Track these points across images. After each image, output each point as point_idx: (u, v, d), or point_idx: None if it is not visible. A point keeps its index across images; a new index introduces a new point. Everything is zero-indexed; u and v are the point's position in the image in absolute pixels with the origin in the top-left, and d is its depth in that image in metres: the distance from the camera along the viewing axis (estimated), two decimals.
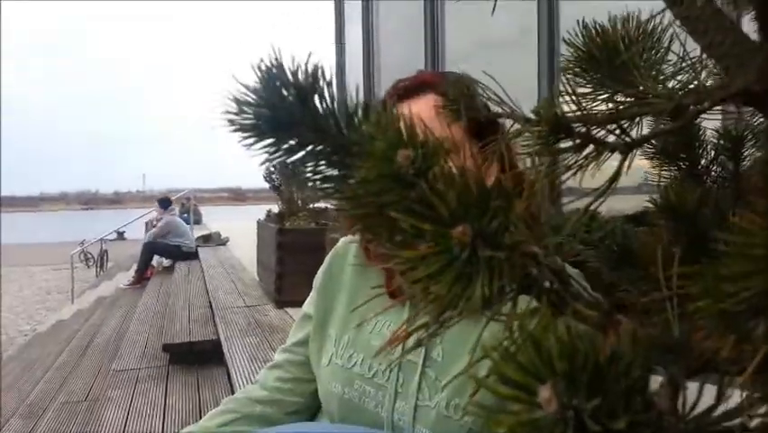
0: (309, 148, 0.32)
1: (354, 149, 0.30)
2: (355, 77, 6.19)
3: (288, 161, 0.32)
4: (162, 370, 4.37)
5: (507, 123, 0.52)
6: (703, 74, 0.57)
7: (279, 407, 1.07)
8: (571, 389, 0.20)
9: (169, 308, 6.03)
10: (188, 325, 5.02)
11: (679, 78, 0.53)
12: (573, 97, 0.58)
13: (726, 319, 0.27)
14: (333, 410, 0.99)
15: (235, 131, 0.31)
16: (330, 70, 0.31)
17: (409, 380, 0.92)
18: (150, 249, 9.35)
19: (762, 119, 0.64)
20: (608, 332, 0.27)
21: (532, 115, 0.43)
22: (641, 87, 0.56)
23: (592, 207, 0.41)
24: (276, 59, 0.33)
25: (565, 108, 0.46)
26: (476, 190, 0.26)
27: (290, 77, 0.32)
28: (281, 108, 0.31)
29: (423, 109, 0.92)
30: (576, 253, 0.60)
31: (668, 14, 0.56)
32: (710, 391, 0.28)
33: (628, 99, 0.56)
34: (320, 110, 0.32)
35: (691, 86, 0.56)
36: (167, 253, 9.56)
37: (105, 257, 14.16)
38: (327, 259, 1.11)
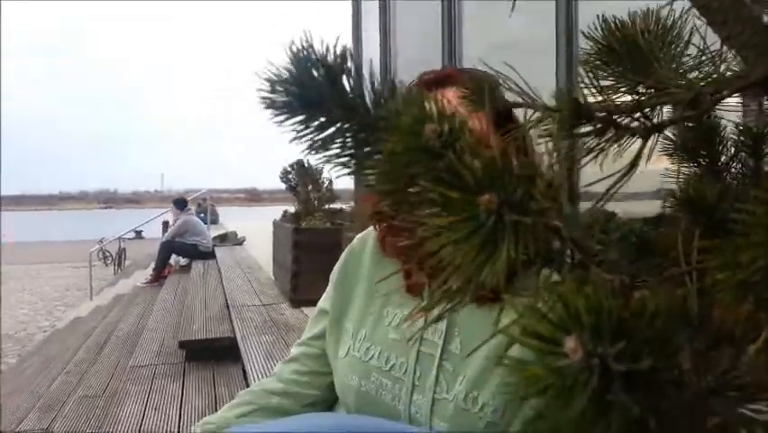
0: (338, 125, 0.33)
1: (381, 124, 0.31)
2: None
3: (318, 138, 0.33)
4: (179, 366, 4.41)
5: (527, 113, 0.53)
6: (722, 67, 0.57)
7: (296, 399, 1.08)
8: (595, 338, 0.21)
9: (185, 305, 6.09)
10: (205, 322, 5.07)
11: (699, 70, 0.54)
12: (594, 88, 0.58)
13: (744, 289, 0.27)
14: (349, 403, 0.99)
15: (268, 107, 0.32)
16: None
17: (427, 373, 0.92)
18: (168, 248, 9.45)
19: None
20: (631, 298, 0.28)
21: (553, 103, 0.44)
22: (661, 79, 0.57)
23: (611, 192, 0.42)
24: (306, 40, 0.34)
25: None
26: (501, 160, 0.27)
27: (320, 57, 0.33)
28: (311, 87, 0.33)
29: (448, 99, 0.94)
30: (594, 253, 0.61)
31: (688, 7, 0.56)
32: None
33: (649, 90, 0.57)
34: (348, 89, 0.33)
35: (711, 79, 0.57)
36: (184, 252, 9.65)
37: (123, 255, 14.34)
38: (344, 255, 1.12)
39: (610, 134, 0.39)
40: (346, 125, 0.33)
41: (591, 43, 0.63)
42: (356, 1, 6.52)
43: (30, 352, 7.69)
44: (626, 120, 0.41)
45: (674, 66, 0.60)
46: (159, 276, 9.19)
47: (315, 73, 0.33)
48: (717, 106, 0.50)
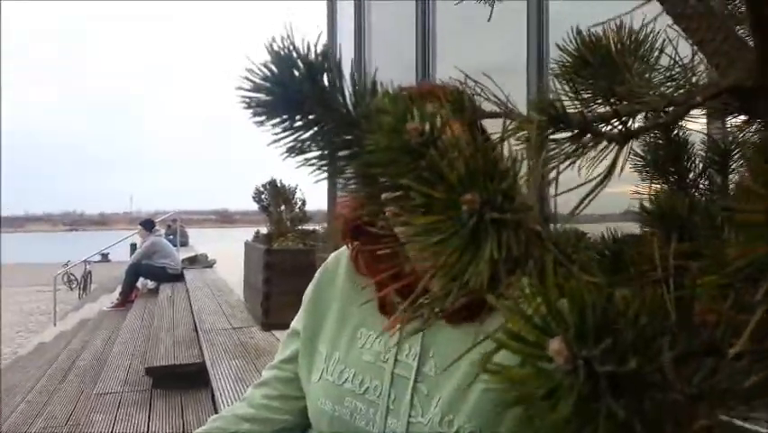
0: (319, 126, 0.32)
1: (363, 124, 0.30)
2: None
3: (299, 139, 0.32)
4: (146, 393, 4.29)
5: (505, 123, 0.53)
6: (694, 79, 0.59)
7: (267, 424, 1.05)
8: (580, 340, 0.21)
9: (152, 330, 5.94)
10: (173, 347, 4.95)
11: (671, 81, 0.55)
12: (568, 98, 0.59)
13: (726, 292, 0.27)
14: (322, 428, 0.97)
15: (248, 108, 0.32)
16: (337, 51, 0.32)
17: (401, 396, 0.90)
18: (135, 271, 9.24)
19: (750, 131, 0.66)
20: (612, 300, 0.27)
21: (532, 113, 0.45)
22: (635, 90, 0.58)
23: (588, 199, 0.42)
24: (287, 38, 0.34)
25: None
26: (482, 159, 0.26)
27: (301, 55, 0.33)
28: (292, 86, 0.32)
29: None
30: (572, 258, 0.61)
31: (660, 21, 0.58)
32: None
33: (623, 102, 0.58)
34: (328, 87, 0.32)
35: (683, 90, 0.58)
36: (152, 274, 9.45)
37: (88, 279, 13.97)
38: (317, 273, 1.10)
39: (587, 140, 0.39)
40: (327, 126, 0.32)
41: (565, 56, 0.63)
42: (331, 1, 6.59)
43: None
44: (603, 127, 0.41)
45: (647, 76, 0.61)
46: (125, 300, 8.97)
47: (295, 72, 0.33)
48: (687, 118, 0.50)
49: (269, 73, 0.32)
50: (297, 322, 1.09)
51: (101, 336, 7.27)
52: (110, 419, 3.84)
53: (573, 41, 0.63)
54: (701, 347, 0.31)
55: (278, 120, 0.32)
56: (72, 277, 14.53)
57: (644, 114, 0.46)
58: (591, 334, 0.21)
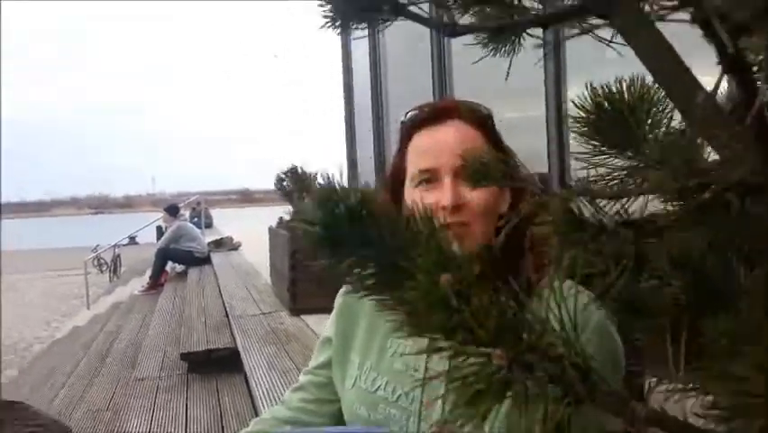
0: (360, 260, 0.37)
1: (401, 266, 0.35)
2: (363, 97, 6.21)
3: (345, 272, 0.37)
4: (182, 378, 4.44)
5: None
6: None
7: (305, 426, 1.11)
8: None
9: (184, 315, 6.11)
10: (205, 332, 5.10)
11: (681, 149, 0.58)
12: (582, 160, 0.62)
13: None
14: None
15: (305, 243, 0.37)
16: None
17: (433, 403, 0.95)
18: (163, 255, 9.47)
19: None
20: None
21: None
22: (647, 151, 0.60)
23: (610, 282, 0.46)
24: (329, 181, 0.38)
25: (575, 165, 0.51)
26: (511, 317, 0.31)
27: (343, 199, 0.37)
28: (335, 227, 0.37)
29: (449, 135, 0.98)
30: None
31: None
32: None
33: (635, 164, 0.61)
34: (367, 227, 0.37)
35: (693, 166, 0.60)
36: (180, 258, 9.67)
37: (118, 262, 14.31)
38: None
39: (603, 240, 0.43)
40: (368, 261, 0.37)
41: (581, 112, 0.66)
42: (345, 35, 6.52)
43: (30, 363, 7.69)
44: (616, 218, 0.45)
45: (659, 134, 0.63)
46: (156, 284, 9.21)
47: (338, 215, 0.37)
48: None
49: (317, 215, 0.37)
50: (328, 330, 1.14)
51: (134, 320, 7.48)
52: (149, 403, 4.01)
53: (588, 98, 0.66)
54: None
55: (326, 255, 0.37)
56: (102, 260, 14.89)
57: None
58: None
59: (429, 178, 0.97)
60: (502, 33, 0.51)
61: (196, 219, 12.91)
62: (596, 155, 0.66)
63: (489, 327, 0.30)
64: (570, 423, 0.31)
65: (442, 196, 0.94)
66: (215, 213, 21.19)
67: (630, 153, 0.63)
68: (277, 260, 5.88)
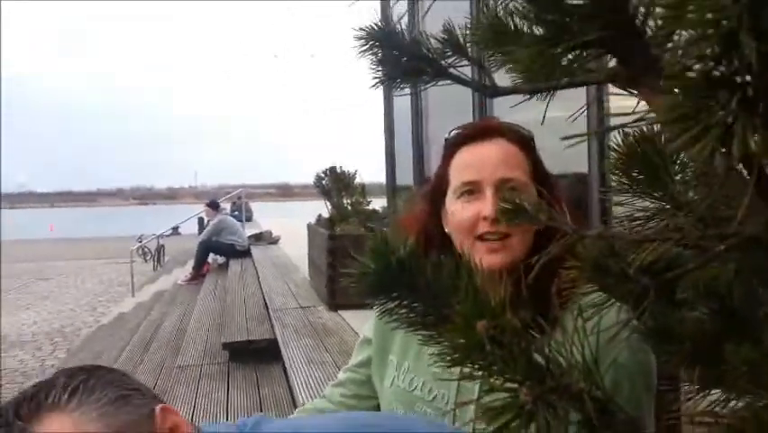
0: (408, 303, 0.44)
1: (443, 311, 0.42)
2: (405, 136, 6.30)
3: (395, 313, 0.44)
4: (223, 367, 4.60)
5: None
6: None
7: None
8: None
9: (226, 305, 6.30)
10: (245, 323, 5.26)
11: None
12: (616, 204, 0.68)
13: None
14: None
15: (361, 289, 0.44)
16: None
17: (466, 404, 1.01)
18: (206, 247, 9.76)
19: None
20: None
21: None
22: (674, 195, 0.65)
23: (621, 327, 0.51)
24: (381, 236, 0.45)
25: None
26: (536, 363, 0.37)
27: (393, 250, 0.44)
28: (386, 275, 0.44)
29: (492, 150, 1.03)
30: None
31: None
32: None
33: (663, 206, 0.66)
34: (414, 275, 0.44)
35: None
36: (221, 251, 9.96)
37: (161, 252, 14.77)
38: None
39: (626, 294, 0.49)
40: (415, 304, 0.44)
41: (616, 155, 0.71)
42: (388, 102, 6.39)
43: (78, 347, 8.02)
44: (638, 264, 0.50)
45: (685, 182, 0.68)
46: (198, 274, 9.50)
47: (389, 262, 0.44)
48: None
49: (369, 266, 0.44)
50: (368, 331, 1.21)
51: (178, 308, 7.72)
52: (192, 391, 4.17)
53: (622, 141, 0.71)
54: None
55: (378, 298, 0.44)
56: (146, 249, 15.39)
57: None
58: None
59: (471, 189, 1.01)
60: (539, 92, 0.56)
61: (236, 213, 13.21)
62: (623, 192, 0.71)
63: (518, 369, 0.37)
64: None
65: (483, 207, 0.99)
66: (255, 206, 21.59)
67: (657, 195, 0.68)
68: (315, 256, 6.01)
